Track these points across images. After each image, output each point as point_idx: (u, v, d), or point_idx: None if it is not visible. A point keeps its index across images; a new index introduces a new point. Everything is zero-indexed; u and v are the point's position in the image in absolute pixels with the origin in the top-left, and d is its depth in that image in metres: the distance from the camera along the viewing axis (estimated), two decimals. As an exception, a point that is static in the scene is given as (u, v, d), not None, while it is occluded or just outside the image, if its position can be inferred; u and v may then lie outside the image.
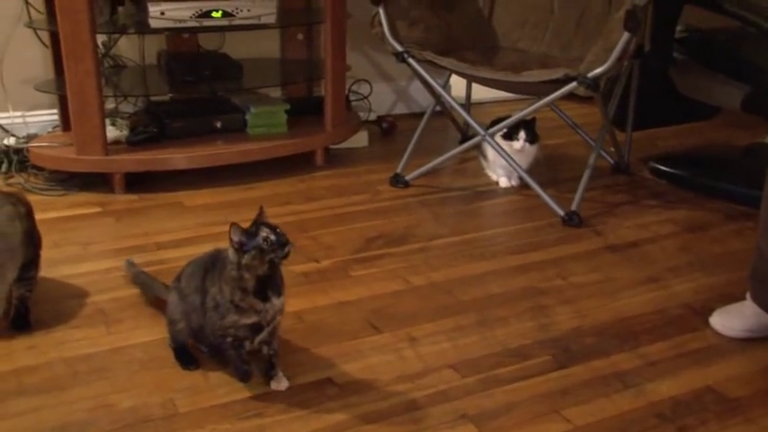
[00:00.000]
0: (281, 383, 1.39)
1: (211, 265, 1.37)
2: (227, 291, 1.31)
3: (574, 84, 2.07)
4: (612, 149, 2.59)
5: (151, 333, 1.54)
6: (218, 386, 1.39)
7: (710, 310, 1.65)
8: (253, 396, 1.37)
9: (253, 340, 1.35)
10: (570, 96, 2.22)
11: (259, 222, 1.31)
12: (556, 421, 1.32)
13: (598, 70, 2.03)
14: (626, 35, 1.98)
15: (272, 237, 1.28)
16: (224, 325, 1.33)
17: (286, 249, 1.29)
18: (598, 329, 1.62)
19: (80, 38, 2.08)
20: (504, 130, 2.31)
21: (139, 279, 1.70)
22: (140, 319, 1.61)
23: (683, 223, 2.18)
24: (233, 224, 1.28)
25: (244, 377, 1.39)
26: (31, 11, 2.41)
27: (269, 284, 1.32)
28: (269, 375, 1.39)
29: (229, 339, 1.35)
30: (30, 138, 2.45)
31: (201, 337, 1.41)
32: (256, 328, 1.33)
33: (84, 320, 1.60)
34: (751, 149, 2.62)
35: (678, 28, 2.52)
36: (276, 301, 1.33)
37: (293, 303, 1.68)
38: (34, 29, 2.42)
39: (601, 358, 1.51)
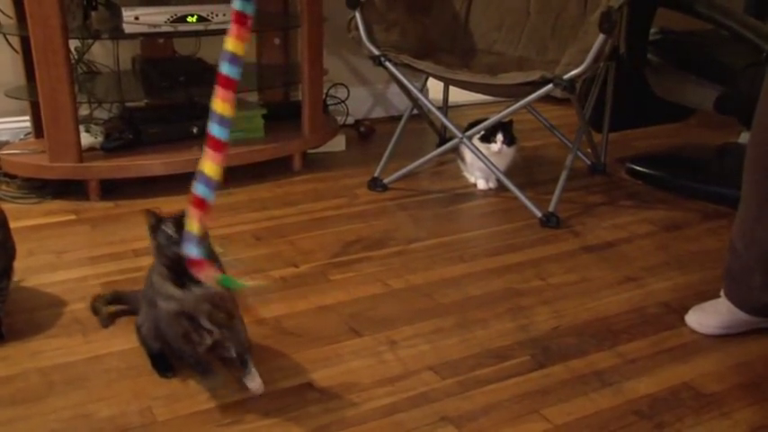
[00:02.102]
0: (254, 381, 1.37)
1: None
2: (156, 281, 1.31)
3: (550, 86, 2.08)
4: (589, 151, 2.61)
5: (128, 341, 1.52)
6: (198, 393, 1.38)
7: (687, 308, 1.67)
8: (232, 402, 1.36)
9: (207, 336, 1.33)
10: (547, 98, 2.23)
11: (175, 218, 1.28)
12: (535, 421, 1.33)
13: (574, 72, 2.05)
14: (601, 37, 2.00)
15: (170, 233, 1.25)
16: (165, 318, 1.32)
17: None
18: (577, 329, 1.63)
19: (52, 43, 2.05)
20: (482, 133, 2.33)
21: (116, 297, 1.64)
22: (117, 327, 1.59)
23: (660, 223, 2.20)
24: (147, 210, 1.28)
25: (205, 373, 1.37)
26: (0, 15, 2.38)
27: (184, 272, 1.26)
28: (242, 374, 1.38)
29: (187, 349, 1.33)
30: (1, 145, 2.41)
31: (165, 342, 1.39)
32: (190, 319, 1.30)
33: (60, 329, 1.58)
34: (725, 149, 2.66)
35: (652, 30, 2.55)
36: (197, 290, 1.28)
37: (272, 309, 1.67)
38: (4, 34, 2.39)
39: (579, 357, 1.52)
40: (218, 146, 1.27)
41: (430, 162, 2.54)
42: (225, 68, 1.25)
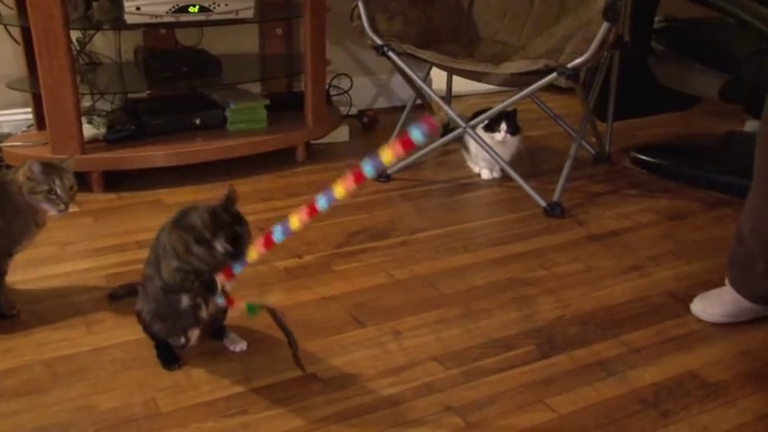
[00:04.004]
0: (238, 342, 1.47)
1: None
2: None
3: (554, 75, 2.07)
4: (593, 140, 2.60)
5: (132, 332, 1.52)
6: (201, 384, 1.38)
7: (691, 297, 1.66)
8: (237, 393, 1.36)
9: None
10: (551, 87, 2.23)
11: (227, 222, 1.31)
12: (540, 410, 1.32)
13: (578, 61, 2.04)
14: (605, 25, 1.99)
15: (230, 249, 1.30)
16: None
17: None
18: (581, 318, 1.62)
19: (53, 34, 2.04)
20: (486, 122, 2.32)
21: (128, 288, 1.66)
22: (121, 318, 1.59)
23: (664, 212, 2.19)
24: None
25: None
26: (1, 6, 2.37)
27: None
28: (222, 338, 1.47)
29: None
30: (3, 137, 2.41)
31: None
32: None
33: (63, 321, 1.58)
34: (730, 138, 2.65)
35: (657, 18, 2.53)
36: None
37: (276, 299, 1.67)
38: (5, 25, 2.38)
39: (584, 347, 1.51)
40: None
41: (434, 152, 2.53)
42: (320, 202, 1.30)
